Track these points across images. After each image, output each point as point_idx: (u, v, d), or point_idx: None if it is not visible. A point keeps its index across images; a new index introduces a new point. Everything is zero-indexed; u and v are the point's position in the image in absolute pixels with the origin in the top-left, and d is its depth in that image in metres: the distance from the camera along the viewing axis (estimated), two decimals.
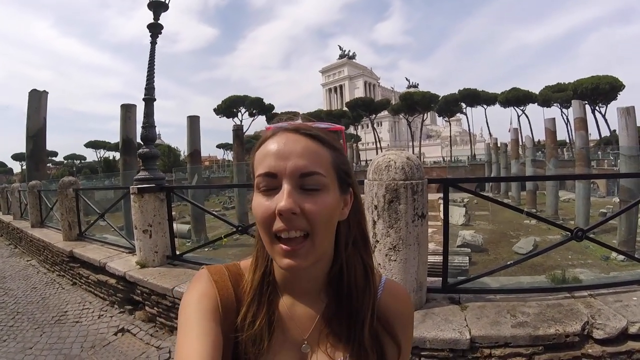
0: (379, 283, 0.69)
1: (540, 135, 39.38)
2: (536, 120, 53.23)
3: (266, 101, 56.32)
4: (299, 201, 0.53)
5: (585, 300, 2.39)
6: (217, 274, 0.63)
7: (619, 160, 15.62)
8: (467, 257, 7.10)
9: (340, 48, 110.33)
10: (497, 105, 51.31)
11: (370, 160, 2.63)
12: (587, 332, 2.06)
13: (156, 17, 4.46)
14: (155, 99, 4.59)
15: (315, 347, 0.63)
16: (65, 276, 5.68)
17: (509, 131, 26.71)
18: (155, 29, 4.52)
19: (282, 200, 0.53)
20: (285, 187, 0.54)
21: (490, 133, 53.18)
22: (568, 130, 46.12)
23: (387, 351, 0.65)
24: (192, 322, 0.56)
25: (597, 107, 42.84)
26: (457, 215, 13.26)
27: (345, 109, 62.83)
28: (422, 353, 2.18)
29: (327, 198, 0.56)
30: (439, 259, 2.88)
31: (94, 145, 67.63)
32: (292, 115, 0.66)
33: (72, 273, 5.47)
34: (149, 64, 4.54)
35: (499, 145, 27.84)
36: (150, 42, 4.55)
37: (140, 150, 4.58)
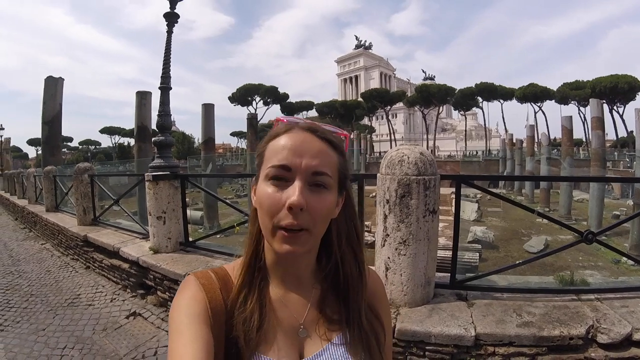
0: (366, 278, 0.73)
1: (556, 133, 38.83)
2: (553, 117, 52.54)
3: (281, 90, 56.51)
4: (307, 197, 0.57)
5: (591, 304, 2.39)
6: (203, 278, 0.65)
7: (634, 163, 15.30)
8: (478, 254, 7.05)
9: (357, 38, 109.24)
10: (514, 101, 50.51)
11: (384, 152, 2.64)
12: (591, 336, 2.06)
13: (172, 6, 4.49)
14: (171, 88, 4.64)
15: (311, 331, 0.66)
16: (79, 260, 5.81)
17: (525, 127, 26.25)
18: (171, 18, 4.54)
19: (293, 195, 0.56)
20: (298, 182, 0.57)
21: (506, 128, 52.26)
22: (585, 129, 45.32)
23: (376, 328, 0.71)
24: (182, 327, 0.57)
25: (615, 107, 41.94)
26: (469, 210, 13.14)
27: (360, 99, 62.34)
28: (427, 347, 2.20)
29: (329, 197, 0.60)
30: (449, 254, 2.89)
31: (109, 131, 68.32)
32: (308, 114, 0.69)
33: (86, 257, 5.59)
34: (165, 53, 4.57)
35: (514, 141, 27.45)
36: (167, 32, 4.59)
37: (156, 138, 4.65)
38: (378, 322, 0.72)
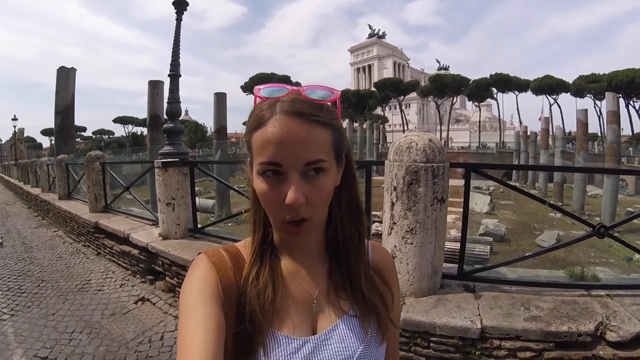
0: (367, 246, 0.72)
1: (571, 127, 38.25)
2: (568, 111, 51.57)
3: (293, 79, 56.49)
4: (304, 191, 0.54)
5: (601, 300, 2.32)
6: (214, 256, 0.63)
7: None
8: (489, 246, 6.98)
9: (370, 27, 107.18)
10: (529, 93, 49.86)
11: None
12: (600, 333, 2.00)
13: None
14: (180, 75, 4.65)
15: (324, 305, 0.65)
16: (90, 246, 5.91)
17: (540, 120, 25.86)
18: (180, 6, 4.54)
19: (290, 193, 0.53)
20: (292, 177, 0.54)
21: (520, 121, 51.57)
22: (600, 123, 44.62)
23: (385, 297, 0.69)
24: (193, 307, 0.56)
25: (631, 101, 41.12)
26: (481, 203, 13.03)
27: (373, 89, 62.06)
28: (432, 339, 2.18)
29: (327, 180, 0.57)
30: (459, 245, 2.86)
31: (122, 120, 69.07)
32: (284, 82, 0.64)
33: (97, 243, 5.68)
34: (174, 40, 4.59)
35: (528, 133, 27.08)
36: (176, 19, 4.59)
37: (165, 125, 4.68)
38: (387, 291, 0.71)
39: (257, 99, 0.59)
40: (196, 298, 0.57)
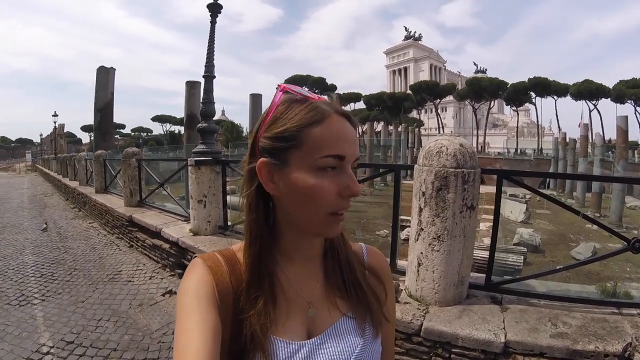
0: (361, 250, 0.77)
1: (611, 134, 36.45)
2: (608, 117, 49.26)
3: (328, 81, 56.92)
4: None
5: (632, 319, 2.21)
6: (210, 260, 0.64)
7: None
8: (522, 257, 6.73)
9: (406, 29, 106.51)
10: (568, 98, 48.16)
11: None
12: (628, 355, 1.90)
13: None
14: (214, 76, 4.78)
15: (321, 308, 0.66)
16: (124, 239, 6.14)
17: (579, 126, 24.84)
18: (215, 9, 4.66)
19: (353, 184, 0.58)
20: (349, 171, 0.59)
21: (559, 127, 49.79)
22: None
23: (379, 293, 0.71)
24: (190, 310, 0.56)
25: None
26: (517, 211, 12.58)
27: (408, 91, 61.61)
28: (453, 350, 2.14)
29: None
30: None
31: (159, 119, 71.59)
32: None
33: (130, 236, 5.90)
34: (209, 42, 4.71)
35: (567, 140, 26.05)
36: (210, 22, 4.71)
37: (199, 125, 4.81)
38: (379, 284, 0.73)
39: (285, 95, 0.61)
40: (193, 301, 0.57)
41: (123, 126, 75.54)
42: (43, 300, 3.79)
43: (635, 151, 36.33)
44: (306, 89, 0.63)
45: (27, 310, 3.54)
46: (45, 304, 3.70)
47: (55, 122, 27.30)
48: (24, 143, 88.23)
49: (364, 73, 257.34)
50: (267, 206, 0.64)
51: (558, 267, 2.76)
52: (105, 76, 14.58)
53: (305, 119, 0.57)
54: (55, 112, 26.71)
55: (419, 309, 2.36)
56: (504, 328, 2.12)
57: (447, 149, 2.33)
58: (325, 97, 0.64)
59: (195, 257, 0.66)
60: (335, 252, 0.69)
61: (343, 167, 0.58)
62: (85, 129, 70.48)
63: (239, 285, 0.62)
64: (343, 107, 0.62)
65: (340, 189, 0.57)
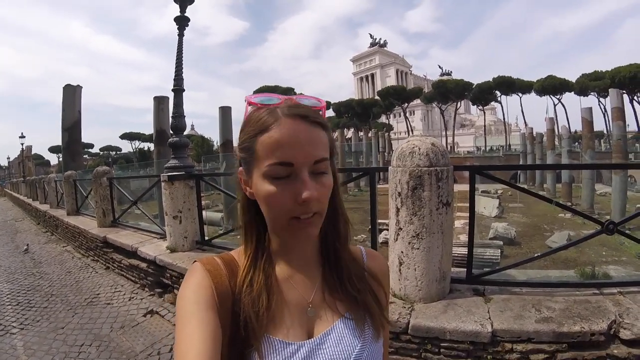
0: (360, 253, 0.77)
1: (576, 126, 37.93)
2: (572, 110, 51.22)
3: (297, 91, 56.55)
4: (314, 186, 0.57)
5: (614, 298, 2.29)
6: (209, 264, 0.64)
7: None
8: (499, 250, 6.90)
9: (371, 36, 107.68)
10: (533, 94, 49.55)
11: None
12: (613, 332, 1.97)
13: (182, 10, 4.55)
14: (184, 90, 4.71)
15: (320, 309, 0.66)
16: (99, 261, 5.94)
17: (545, 121, 25.67)
18: (182, 22, 4.61)
19: (305, 190, 0.55)
20: (303, 176, 0.56)
21: (525, 122, 51.13)
22: (605, 121, 44.23)
23: (379, 296, 0.72)
24: (189, 314, 0.57)
25: (635, 97, 40.84)
26: (490, 206, 12.91)
27: (376, 97, 62.14)
28: (442, 344, 2.16)
29: (329, 178, 0.60)
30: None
31: (129, 136, 69.75)
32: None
33: (105, 258, 5.71)
34: (177, 55, 4.66)
35: (534, 135, 26.90)
36: (178, 34, 4.66)
37: (170, 140, 4.72)
38: (379, 286, 0.73)
39: (250, 106, 0.62)
40: (192, 306, 0.57)
41: (92, 145, 73.59)
42: (22, 329, 3.65)
43: (601, 140, 37.89)
44: (271, 95, 0.62)
45: (6, 341, 3.41)
46: (25, 332, 3.56)
47: (22, 144, 26.47)
48: None
49: (331, 82, 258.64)
50: (259, 209, 0.64)
51: (536, 255, 2.82)
52: (72, 94, 14.17)
53: (255, 129, 0.58)
54: (22, 133, 25.96)
55: (405, 307, 2.37)
56: (489, 318, 2.15)
57: (419, 148, 2.37)
58: (293, 96, 0.63)
59: (195, 261, 0.67)
60: (333, 254, 0.69)
61: (295, 172, 0.56)
62: (53, 149, 68.12)
63: (238, 288, 0.63)
64: (300, 105, 0.61)
65: (294, 194, 0.56)
